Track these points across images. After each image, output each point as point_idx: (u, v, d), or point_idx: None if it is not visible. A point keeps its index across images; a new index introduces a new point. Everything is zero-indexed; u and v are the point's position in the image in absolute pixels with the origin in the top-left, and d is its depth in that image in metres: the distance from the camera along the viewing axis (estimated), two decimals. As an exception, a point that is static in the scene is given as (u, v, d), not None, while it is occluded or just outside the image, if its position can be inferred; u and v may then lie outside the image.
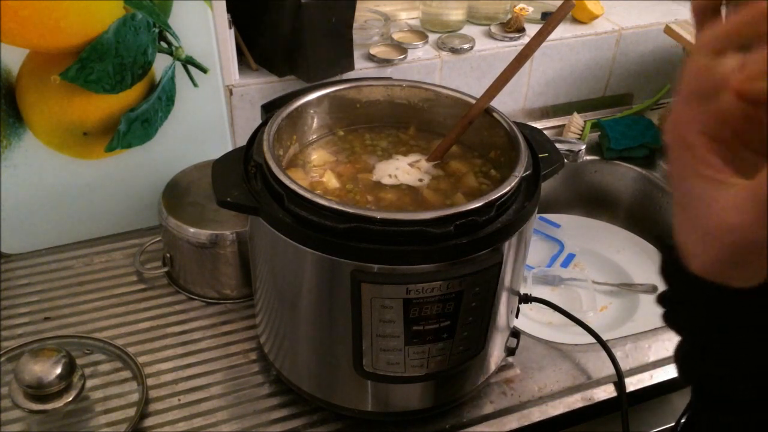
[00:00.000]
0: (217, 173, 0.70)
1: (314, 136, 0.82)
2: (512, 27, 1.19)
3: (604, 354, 0.84)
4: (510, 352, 0.81)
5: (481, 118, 0.76)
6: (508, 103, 1.24)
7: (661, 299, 0.47)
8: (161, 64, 0.92)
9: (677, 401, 0.85)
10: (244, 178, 0.68)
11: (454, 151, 0.80)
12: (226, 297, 0.92)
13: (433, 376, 0.70)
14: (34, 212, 0.95)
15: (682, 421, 0.51)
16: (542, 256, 1.13)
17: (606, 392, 0.81)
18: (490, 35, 1.20)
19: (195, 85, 0.95)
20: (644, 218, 1.22)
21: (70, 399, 0.73)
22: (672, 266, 0.44)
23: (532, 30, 1.20)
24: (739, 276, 0.33)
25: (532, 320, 1.00)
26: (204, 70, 0.95)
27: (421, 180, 0.76)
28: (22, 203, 0.94)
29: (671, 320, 0.47)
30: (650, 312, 1.01)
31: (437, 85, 0.82)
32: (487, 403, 0.80)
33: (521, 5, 1.20)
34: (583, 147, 0.98)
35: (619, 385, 0.81)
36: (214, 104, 0.98)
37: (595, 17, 1.24)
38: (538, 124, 1.22)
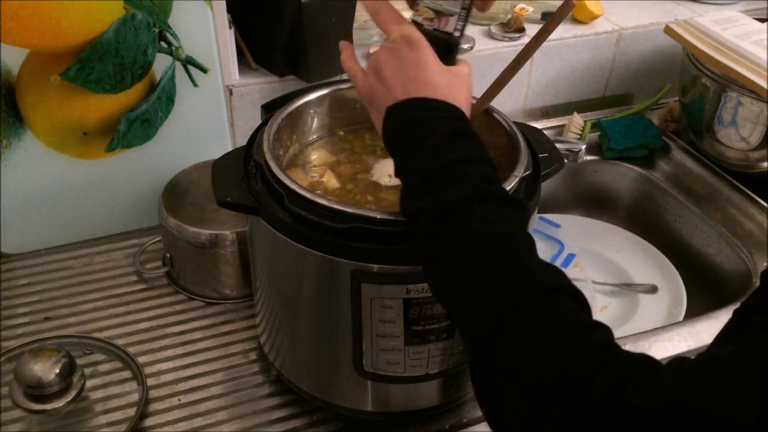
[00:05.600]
0: (217, 173, 0.70)
1: (314, 136, 0.82)
2: (512, 27, 1.19)
3: (604, 354, 0.84)
4: (510, 352, 0.81)
5: (481, 118, 0.76)
6: (508, 103, 1.24)
7: None
8: (161, 64, 0.92)
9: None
10: (244, 178, 0.68)
11: (454, 151, 0.80)
12: (226, 297, 0.92)
13: (433, 376, 0.70)
14: (34, 212, 0.95)
15: None
16: (542, 256, 1.12)
17: (606, 392, 0.81)
18: (490, 35, 1.20)
19: (195, 85, 0.95)
20: (644, 218, 1.22)
21: (70, 399, 0.73)
22: None
23: (532, 30, 1.20)
24: None
25: (532, 320, 1.00)
26: (204, 70, 0.95)
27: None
28: (22, 203, 0.94)
29: None
30: (650, 312, 1.01)
31: (437, 85, 0.82)
32: (487, 403, 0.80)
33: (521, 5, 1.20)
34: (583, 147, 0.98)
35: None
36: (214, 104, 0.98)
37: (595, 17, 1.24)
38: (538, 124, 1.22)
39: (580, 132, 1.23)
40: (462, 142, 0.54)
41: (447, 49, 0.63)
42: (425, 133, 0.55)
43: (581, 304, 0.47)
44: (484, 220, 0.50)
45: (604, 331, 0.45)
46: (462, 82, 0.61)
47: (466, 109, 0.59)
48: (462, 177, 0.51)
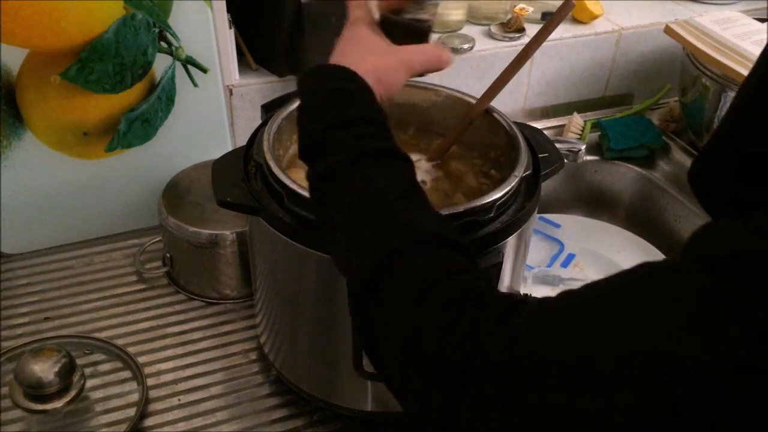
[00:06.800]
0: (217, 173, 0.70)
1: (314, 136, 0.82)
2: (512, 27, 1.19)
3: (604, 354, 0.84)
4: (510, 352, 0.81)
5: (481, 118, 0.76)
6: (508, 103, 1.24)
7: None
8: (161, 64, 0.92)
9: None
10: (244, 178, 0.68)
11: (454, 151, 0.80)
12: (226, 297, 0.92)
13: (433, 376, 0.69)
14: (34, 212, 0.95)
15: None
16: (542, 256, 1.13)
17: (606, 392, 0.81)
18: (490, 35, 1.20)
19: (195, 85, 0.95)
20: (644, 218, 1.22)
21: (70, 399, 0.73)
22: None
23: (532, 30, 1.20)
24: None
25: (532, 320, 1.00)
26: (204, 70, 0.95)
27: (423, 182, 0.76)
28: (22, 203, 0.94)
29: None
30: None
31: (437, 85, 0.82)
32: (487, 403, 0.80)
33: (521, 5, 1.20)
34: (583, 147, 0.98)
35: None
36: (214, 104, 0.98)
37: (595, 17, 1.24)
38: (538, 124, 1.22)
39: (580, 132, 1.23)
40: (339, 101, 0.54)
41: (400, 31, 0.63)
42: (308, 100, 0.56)
43: (457, 250, 0.46)
44: (360, 179, 0.49)
45: (471, 274, 0.43)
46: (383, 52, 0.60)
47: (370, 76, 0.57)
48: (340, 140, 0.52)
